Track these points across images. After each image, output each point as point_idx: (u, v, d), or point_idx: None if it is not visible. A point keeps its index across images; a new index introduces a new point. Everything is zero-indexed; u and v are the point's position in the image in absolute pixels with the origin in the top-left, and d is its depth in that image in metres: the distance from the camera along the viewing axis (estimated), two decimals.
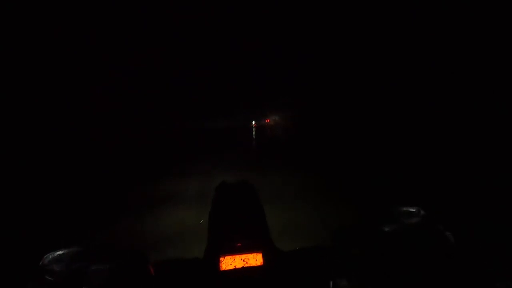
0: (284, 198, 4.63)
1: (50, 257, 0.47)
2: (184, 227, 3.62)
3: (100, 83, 9.49)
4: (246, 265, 0.58)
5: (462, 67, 6.99)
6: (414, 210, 0.57)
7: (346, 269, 0.56)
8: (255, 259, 0.58)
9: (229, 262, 0.58)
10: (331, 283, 0.57)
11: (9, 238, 3.40)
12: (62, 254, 0.48)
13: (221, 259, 0.57)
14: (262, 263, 0.57)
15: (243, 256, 0.58)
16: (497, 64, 6.38)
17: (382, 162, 6.79)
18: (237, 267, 0.57)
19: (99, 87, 9.41)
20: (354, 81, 9.77)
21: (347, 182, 5.99)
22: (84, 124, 9.01)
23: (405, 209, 0.58)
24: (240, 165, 7.63)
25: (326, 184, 5.61)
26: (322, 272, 0.59)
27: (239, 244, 0.59)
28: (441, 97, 7.31)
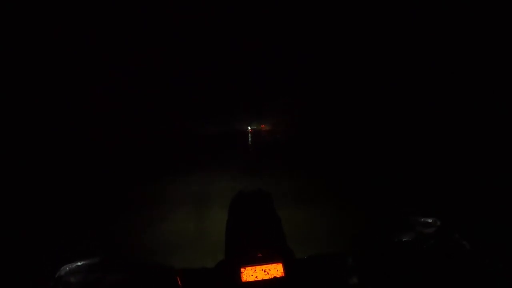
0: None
1: (67, 268, 0.47)
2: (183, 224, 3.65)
3: (100, 83, 9.48)
4: (267, 276, 0.58)
5: (462, 67, 7.00)
6: (431, 220, 0.58)
7: (365, 277, 0.57)
8: (276, 270, 0.58)
9: (250, 273, 0.58)
10: None
11: (12, 240, 3.40)
12: (79, 265, 0.47)
13: (242, 270, 0.57)
14: (283, 274, 0.58)
15: (264, 267, 0.58)
16: (497, 64, 6.39)
17: (384, 164, 6.79)
18: (258, 278, 0.58)
19: (99, 87, 9.40)
20: (354, 81, 9.77)
21: (346, 183, 5.99)
22: (84, 124, 9.00)
23: (422, 219, 0.58)
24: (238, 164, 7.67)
25: (325, 189, 5.62)
26: (342, 281, 0.59)
27: (259, 255, 0.59)
28: (441, 96, 7.31)
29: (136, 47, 9.23)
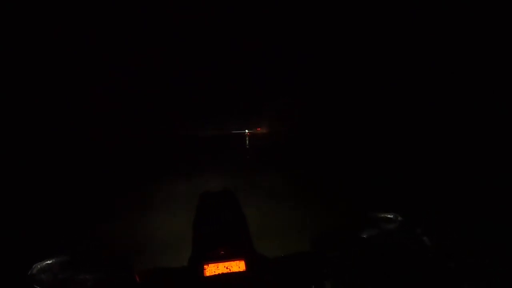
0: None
1: (39, 266, 0.47)
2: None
3: (100, 83, 9.51)
4: (229, 272, 0.59)
5: (462, 67, 6.99)
6: (392, 216, 0.59)
7: (327, 274, 0.58)
8: (238, 266, 0.60)
9: (212, 270, 0.59)
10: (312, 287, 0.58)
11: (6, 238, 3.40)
12: (51, 263, 0.48)
13: (205, 266, 0.59)
14: (245, 270, 0.59)
15: (226, 264, 0.60)
16: (497, 64, 6.37)
17: (379, 163, 6.78)
18: (220, 274, 0.59)
19: (99, 87, 9.42)
20: (354, 81, 9.77)
21: (332, 183, 5.99)
22: (84, 124, 9.02)
23: (383, 215, 0.60)
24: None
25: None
26: (304, 278, 0.60)
27: (222, 252, 0.60)
28: (441, 97, 7.30)
29: (136, 47, 9.25)
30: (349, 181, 6.39)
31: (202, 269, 0.58)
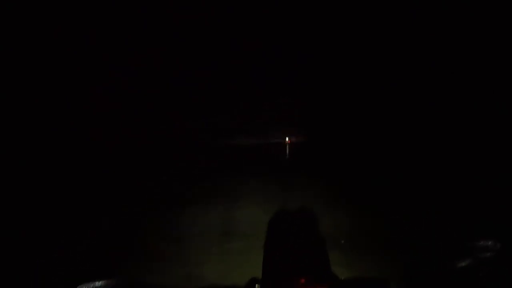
0: None
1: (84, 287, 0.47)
2: None
3: (100, 83, 9.48)
4: None
5: (462, 68, 6.98)
6: (489, 243, 0.55)
7: None
8: None
9: None
10: None
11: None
12: (97, 286, 0.48)
13: None
14: None
15: None
16: (497, 64, 6.37)
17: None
18: None
19: (99, 87, 9.40)
20: (355, 80, 9.77)
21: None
22: (84, 124, 9.00)
23: (479, 242, 0.56)
24: None
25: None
26: None
27: (302, 281, 0.55)
28: (442, 98, 7.30)
29: (136, 47, 9.22)
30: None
31: None
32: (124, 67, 9.80)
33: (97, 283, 0.46)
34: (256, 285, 0.52)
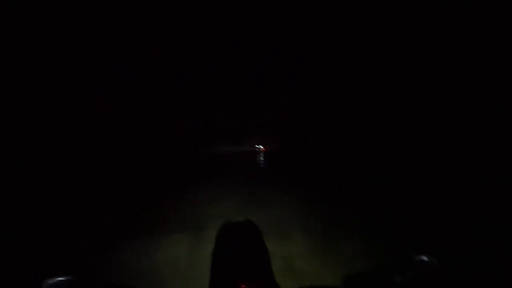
0: None
1: (49, 282, 0.48)
2: None
3: (100, 83, 9.47)
4: None
5: (462, 68, 6.98)
6: (427, 259, 0.56)
7: None
8: None
9: None
10: None
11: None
12: (61, 282, 0.48)
13: None
14: None
15: None
16: (496, 65, 6.37)
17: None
18: None
19: (99, 87, 9.40)
20: (355, 81, 9.76)
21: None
22: (84, 124, 9.00)
23: (418, 257, 0.57)
24: None
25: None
26: None
27: (243, 287, 0.58)
28: (442, 100, 7.29)
29: (136, 47, 9.21)
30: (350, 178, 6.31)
31: None
32: (124, 67, 9.79)
33: (62, 278, 0.47)
34: None
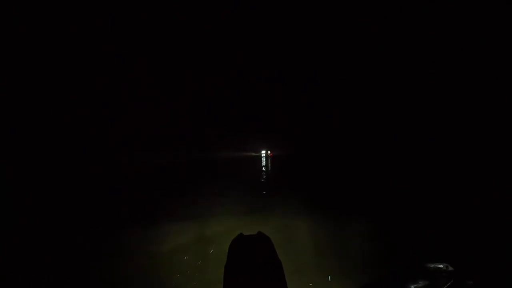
0: None
1: None
2: None
3: (100, 83, 9.49)
4: None
5: (462, 69, 6.99)
6: (442, 266, 0.56)
7: None
8: None
9: None
10: None
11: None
12: None
13: None
14: None
15: None
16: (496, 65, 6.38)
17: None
18: None
19: (99, 87, 9.40)
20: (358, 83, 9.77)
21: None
22: (84, 124, 8.98)
23: (433, 265, 0.56)
24: None
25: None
26: None
27: None
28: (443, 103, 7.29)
29: (136, 48, 9.24)
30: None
31: None
32: (124, 67, 9.78)
33: None
34: None
